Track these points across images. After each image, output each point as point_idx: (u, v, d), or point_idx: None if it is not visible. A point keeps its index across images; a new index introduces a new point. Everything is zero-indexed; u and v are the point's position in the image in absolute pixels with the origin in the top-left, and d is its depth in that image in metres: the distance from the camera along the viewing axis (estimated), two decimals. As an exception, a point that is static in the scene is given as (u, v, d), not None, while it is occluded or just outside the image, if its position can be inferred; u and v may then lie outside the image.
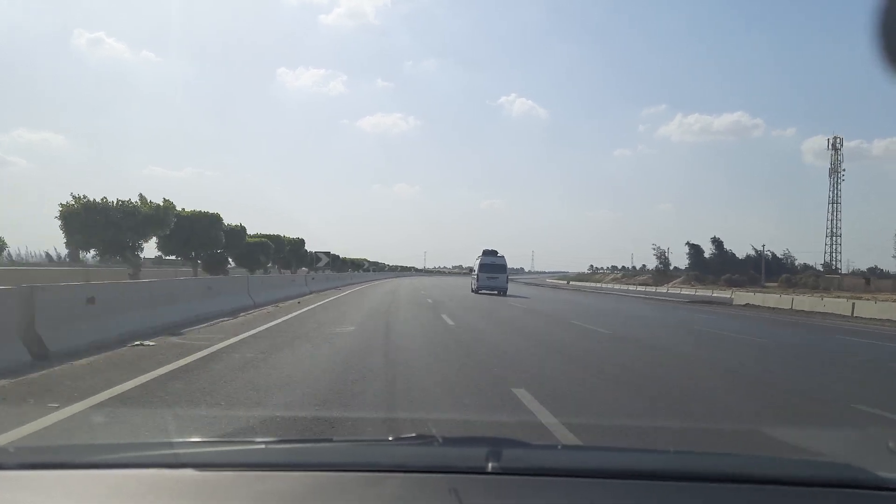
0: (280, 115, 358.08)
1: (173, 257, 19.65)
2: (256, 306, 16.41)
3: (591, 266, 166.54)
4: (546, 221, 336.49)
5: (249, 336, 10.20)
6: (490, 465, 1.41)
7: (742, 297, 38.16)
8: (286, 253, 29.57)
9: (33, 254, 42.10)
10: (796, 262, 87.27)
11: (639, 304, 33.46)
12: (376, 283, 53.01)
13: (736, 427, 5.43)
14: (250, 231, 24.76)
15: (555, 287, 69.53)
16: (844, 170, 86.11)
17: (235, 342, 9.34)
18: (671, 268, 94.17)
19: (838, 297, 35.73)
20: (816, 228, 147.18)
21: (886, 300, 30.09)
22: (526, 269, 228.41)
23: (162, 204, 12.85)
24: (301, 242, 33.12)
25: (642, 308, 28.46)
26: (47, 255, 43.31)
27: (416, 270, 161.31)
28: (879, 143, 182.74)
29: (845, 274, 77.98)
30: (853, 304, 28.32)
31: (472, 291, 36.08)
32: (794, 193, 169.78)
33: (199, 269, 19.02)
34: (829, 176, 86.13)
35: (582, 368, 8.65)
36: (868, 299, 31.78)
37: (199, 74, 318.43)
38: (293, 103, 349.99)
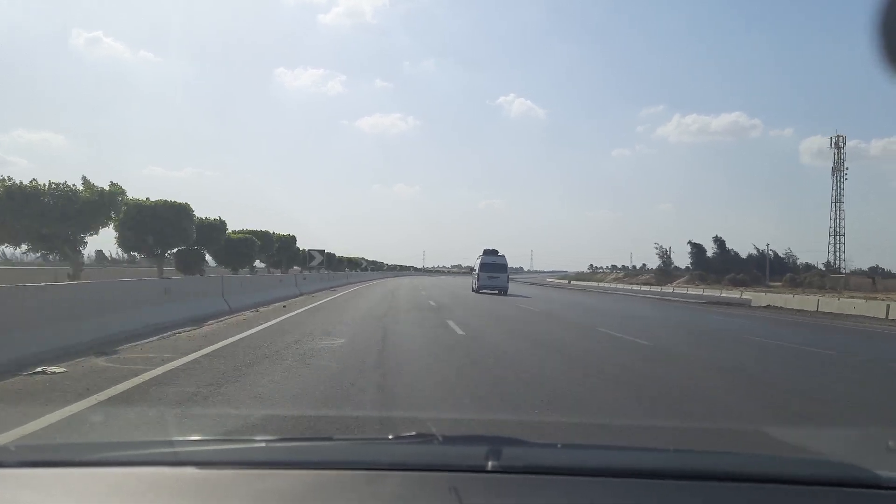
0: (279, 115, 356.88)
1: (138, 255, 17.25)
2: (232, 312, 14.07)
3: (591, 265, 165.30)
4: (545, 221, 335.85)
5: (205, 355, 7.88)
6: (490, 463, 1.40)
7: (760, 297, 36.28)
8: (275, 250, 27.14)
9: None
10: (798, 262, 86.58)
11: (656, 306, 31.08)
12: (375, 282, 50.89)
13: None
14: (238, 227, 22.51)
15: (557, 287, 67.38)
16: (847, 168, 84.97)
17: (181, 365, 7.02)
18: (672, 267, 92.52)
19: (866, 298, 33.83)
20: (815, 228, 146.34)
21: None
22: (525, 269, 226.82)
23: (108, 188, 10.42)
24: (292, 239, 30.66)
25: (664, 311, 26.18)
26: None
27: (416, 270, 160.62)
28: (877, 143, 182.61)
29: (849, 273, 77.04)
30: (888, 305, 26.75)
31: (473, 291, 35.10)
32: (793, 193, 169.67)
33: (174, 269, 16.75)
34: (832, 174, 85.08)
35: (665, 408, 6.26)
36: (896, 300, 30.02)
37: (198, 74, 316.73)
38: (292, 103, 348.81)
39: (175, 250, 17.14)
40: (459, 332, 12.04)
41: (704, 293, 43.49)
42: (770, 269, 76.88)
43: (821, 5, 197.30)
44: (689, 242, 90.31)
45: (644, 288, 60.78)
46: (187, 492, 1.32)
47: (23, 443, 3.65)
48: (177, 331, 10.14)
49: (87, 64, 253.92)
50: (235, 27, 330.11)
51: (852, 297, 36.53)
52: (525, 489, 1.34)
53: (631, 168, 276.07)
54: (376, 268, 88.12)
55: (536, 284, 73.64)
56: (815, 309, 29.85)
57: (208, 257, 21.16)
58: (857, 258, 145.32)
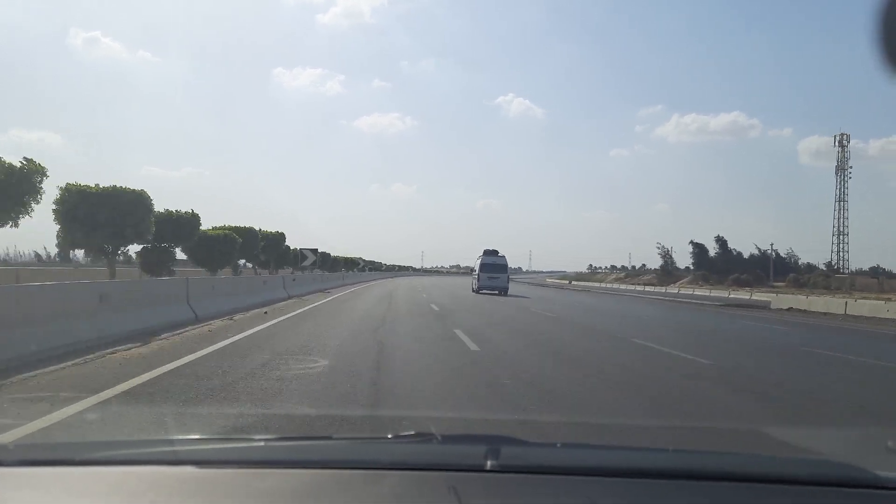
0: (278, 114, 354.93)
1: (83, 254, 14.89)
2: (198, 321, 11.75)
3: (591, 266, 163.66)
4: (543, 221, 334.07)
5: (125, 391, 5.56)
6: (489, 462, 1.38)
7: (780, 300, 34.31)
8: (261, 249, 24.76)
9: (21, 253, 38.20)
10: (800, 262, 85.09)
11: (674, 309, 28.79)
12: (372, 283, 48.67)
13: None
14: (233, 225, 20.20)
15: (559, 288, 65.25)
16: (851, 167, 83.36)
17: (71, 416, 4.71)
18: (673, 267, 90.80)
19: (885, 300, 31.77)
20: (814, 228, 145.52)
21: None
22: (523, 269, 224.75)
23: (19, 165, 8.05)
24: (281, 237, 28.28)
25: (688, 316, 23.98)
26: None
27: (414, 270, 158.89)
28: (875, 143, 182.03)
29: (853, 273, 75.49)
30: (931, 309, 24.65)
31: (473, 291, 34.33)
32: (791, 193, 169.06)
33: (138, 271, 14.40)
34: (836, 173, 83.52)
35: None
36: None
37: (197, 74, 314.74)
38: (291, 103, 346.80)
39: (140, 248, 14.84)
40: (473, 346, 9.76)
41: (711, 294, 41.99)
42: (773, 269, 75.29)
43: (820, 5, 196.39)
44: (691, 242, 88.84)
45: (647, 289, 58.92)
46: (187, 491, 1.30)
47: (21, 441, 3.60)
48: (112, 349, 7.85)
49: (85, 63, 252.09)
50: (234, 27, 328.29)
51: (866, 297, 35.05)
52: (524, 488, 1.33)
53: (629, 168, 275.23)
54: (374, 268, 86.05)
55: (537, 285, 71.74)
56: (843, 312, 27.98)
57: (184, 257, 18.88)
58: (859, 257, 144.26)
